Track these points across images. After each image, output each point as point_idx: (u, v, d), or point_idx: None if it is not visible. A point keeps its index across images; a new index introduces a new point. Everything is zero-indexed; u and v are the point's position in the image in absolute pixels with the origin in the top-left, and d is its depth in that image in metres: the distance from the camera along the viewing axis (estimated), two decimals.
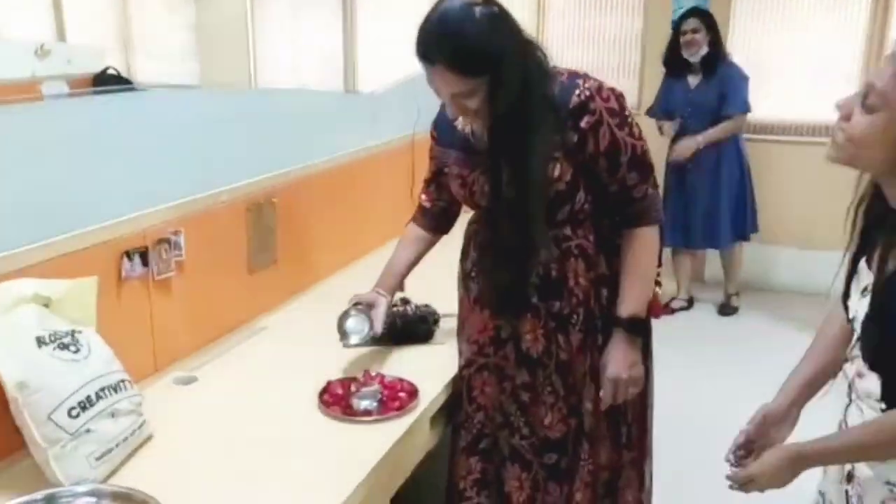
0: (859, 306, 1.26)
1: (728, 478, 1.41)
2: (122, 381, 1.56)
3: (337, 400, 1.74)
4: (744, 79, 4.29)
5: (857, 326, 1.26)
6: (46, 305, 1.52)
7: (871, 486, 1.27)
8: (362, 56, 5.86)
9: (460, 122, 1.73)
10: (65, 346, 1.48)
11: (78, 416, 1.44)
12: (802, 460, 1.29)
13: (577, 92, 1.61)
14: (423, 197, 1.99)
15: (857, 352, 1.27)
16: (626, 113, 1.66)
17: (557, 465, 1.79)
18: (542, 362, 1.75)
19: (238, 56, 6.04)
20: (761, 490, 1.36)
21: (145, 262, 1.79)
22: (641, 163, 1.67)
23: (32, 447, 1.42)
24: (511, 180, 1.62)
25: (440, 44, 1.54)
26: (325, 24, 5.86)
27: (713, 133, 4.24)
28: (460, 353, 1.89)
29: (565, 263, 1.71)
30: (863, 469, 1.29)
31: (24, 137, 1.84)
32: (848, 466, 1.33)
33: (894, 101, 1.11)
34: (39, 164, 1.75)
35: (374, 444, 1.58)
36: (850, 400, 1.33)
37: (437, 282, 2.01)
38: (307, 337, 2.13)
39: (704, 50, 4.22)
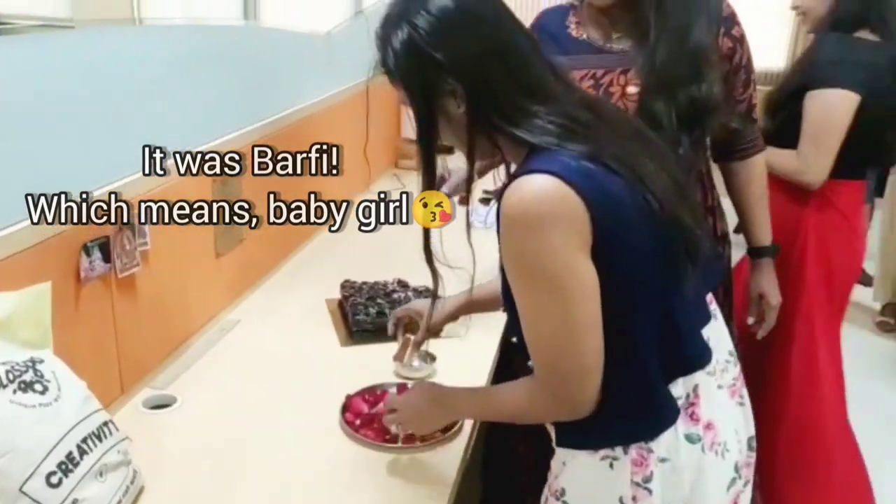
0: None
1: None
2: (106, 423, 1.18)
3: (366, 421, 1.42)
4: None
5: None
6: None
7: None
8: None
9: (573, 27, 1.67)
10: (27, 386, 1.08)
11: (60, 482, 1.06)
12: (442, 399, 1.23)
13: (727, 3, 1.65)
14: None
15: None
16: None
17: None
18: None
19: None
20: (403, 427, 1.30)
21: (106, 258, 1.37)
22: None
23: None
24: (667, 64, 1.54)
25: None
26: None
27: None
28: None
29: (693, 186, 1.69)
30: None
31: None
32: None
33: None
34: None
35: (432, 471, 1.30)
36: None
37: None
38: (288, 328, 1.80)
39: None
